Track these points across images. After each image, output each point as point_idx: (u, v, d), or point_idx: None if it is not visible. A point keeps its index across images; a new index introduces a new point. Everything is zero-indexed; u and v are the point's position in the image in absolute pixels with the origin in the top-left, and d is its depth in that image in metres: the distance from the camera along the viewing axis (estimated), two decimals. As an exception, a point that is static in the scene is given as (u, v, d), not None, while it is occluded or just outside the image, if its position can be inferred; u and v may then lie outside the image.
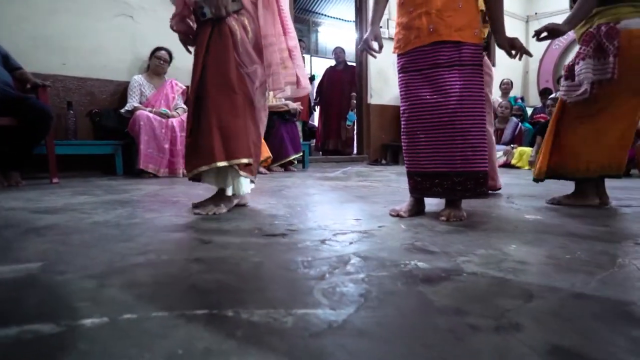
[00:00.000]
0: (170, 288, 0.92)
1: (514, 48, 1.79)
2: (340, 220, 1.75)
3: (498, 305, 0.83)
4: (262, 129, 2.12)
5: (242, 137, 1.89)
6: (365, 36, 1.94)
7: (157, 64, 4.13)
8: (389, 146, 6.61)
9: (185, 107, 4.22)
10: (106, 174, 3.97)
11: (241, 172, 1.90)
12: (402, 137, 1.86)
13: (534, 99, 8.32)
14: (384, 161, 6.38)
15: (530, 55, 1.82)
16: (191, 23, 2.03)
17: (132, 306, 0.81)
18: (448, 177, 1.72)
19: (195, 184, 3.16)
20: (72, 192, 2.66)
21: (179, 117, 4.00)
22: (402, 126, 1.85)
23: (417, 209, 1.87)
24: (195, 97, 1.91)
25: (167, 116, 3.93)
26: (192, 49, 2.03)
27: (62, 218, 1.75)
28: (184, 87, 4.35)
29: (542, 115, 6.65)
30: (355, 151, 6.89)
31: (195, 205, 1.97)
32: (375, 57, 1.98)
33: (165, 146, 3.83)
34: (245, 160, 1.88)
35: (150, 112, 3.86)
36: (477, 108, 1.70)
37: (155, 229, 1.54)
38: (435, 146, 1.73)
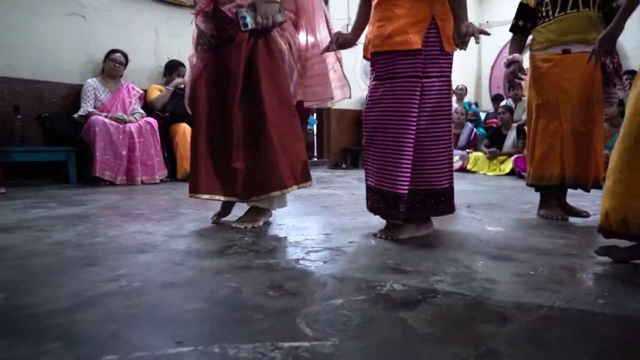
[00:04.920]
0: (148, 320, 0.90)
1: (461, 36, 1.53)
2: (310, 235, 1.76)
3: (476, 331, 0.86)
4: None
5: (304, 159, 1.90)
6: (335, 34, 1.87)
7: (112, 67, 3.96)
8: (349, 150, 6.69)
9: (143, 112, 4.09)
10: (58, 181, 3.77)
11: (289, 189, 1.88)
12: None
13: (487, 105, 8.66)
14: (344, 165, 6.45)
15: (487, 33, 1.54)
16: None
17: (109, 345, 0.78)
18: (374, 193, 1.73)
19: (155, 194, 3.08)
20: (22, 204, 2.51)
21: (137, 123, 3.87)
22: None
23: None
24: (244, 120, 1.84)
25: (124, 121, 3.79)
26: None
27: (17, 238, 1.65)
28: (142, 92, 4.21)
29: (494, 120, 6.93)
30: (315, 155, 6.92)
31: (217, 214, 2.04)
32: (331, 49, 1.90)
33: (123, 153, 3.69)
34: (309, 183, 1.91)
35: (106, 117, 3.71)
36: (402, 125, 1.65)
37: (121, 250, 1.49)
38: (370, 161, 1.76)
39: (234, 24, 1.78)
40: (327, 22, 2.04)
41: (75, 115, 3.77)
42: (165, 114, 4.20)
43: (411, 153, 1.65)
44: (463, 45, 1.53)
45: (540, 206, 2.30)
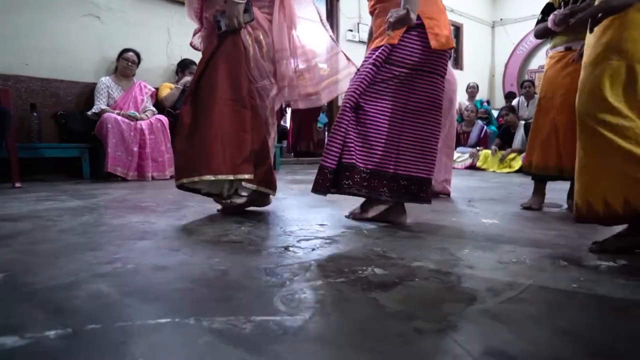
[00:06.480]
0: (136, 297, 0.96)
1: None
2: (306, 226, 1.81)
3: (442, 310, 0.90)
4: (272, 144, 2.14)
5: (248, 153, 1.90)
6: None
7: (125, 66, 4.07)
8: (360, 148, 6.71)
9: (154, 109, 4.19)
10: (72, 177, 3.90)
11: (245, 185, 1.92)
12: None
13: (500, 102, 8.59)
14: (354, 163, 6.48)
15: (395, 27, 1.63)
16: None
17: (95, 317, 0.84)
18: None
19: (163, 188, 3.17)
20: (36, 197, 2.62)
21: (148, 120, 3.97)
22: None
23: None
24: (193, 105, 1.91)
25: (136, 119, 3.89)
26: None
27: (26, 226, 1.74)
28: (153, 89, 4.31)
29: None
30: (326, 153, 6.97)
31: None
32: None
33: (134, 149, 3.79)
34: (247, 176, 1.89)
35: (119, 114, 3.82)
36: (344, 103, 1.78)
37: (123, 237, 1.56)
38: None
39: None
40: (321, 21, 2.10)
41: (89, 113, 3.88)
42: (177, 111, 4.29)
43: (343, 130, 1.75)
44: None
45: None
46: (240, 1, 1.82)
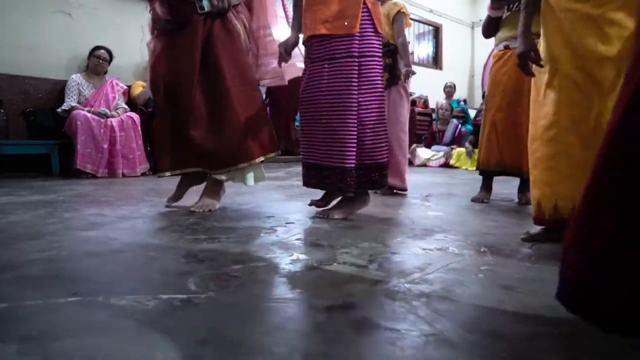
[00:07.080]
0: (58, 280, 1.00)
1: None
2: (255, 217, 1.85)
3: (345, 290, 0.95)
4: None
5: (268, 131, 1.99)
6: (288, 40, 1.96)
7: (96, 63, 4.08)
8: (338, 146, 6.77)
9: (126, 107, 4.20)
10: (42, 174, 3.90)
11: (257, 160, 1.98)
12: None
13: (479, 102, 8.70)
14: (332, 161, 6.54)
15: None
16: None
17: (6, 297, 0.88)
18: (319, 170, 1.84)
19: (131, 185, 3.19)
20: (-2, 192, 2.63)
21: (119, 117, 3.98)
22: None
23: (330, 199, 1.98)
24: (204, 97, 1.93)
25: (106, 116, 3.90)
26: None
27: (-24, 218, 1.76)
28: (125, 87, 4.32)
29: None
30: (305, 151, 7.03)
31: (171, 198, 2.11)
32: (285, 62, 2.00)
33: (104, 146, 3.80)
34: (273, 154, 1.99)
35: (89, 111, 3.83)
36: (344, 103, 1.74)
37: (68, 228, 1.59)
38: (315, 140, 1.85)
39: (191, 7, 1.88)
40: (285, 12, 2.14)
41: (59, 110, 3.89)
42: (149, 109, 4.31)
43: (355, 129, 1.75)
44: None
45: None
46: None
